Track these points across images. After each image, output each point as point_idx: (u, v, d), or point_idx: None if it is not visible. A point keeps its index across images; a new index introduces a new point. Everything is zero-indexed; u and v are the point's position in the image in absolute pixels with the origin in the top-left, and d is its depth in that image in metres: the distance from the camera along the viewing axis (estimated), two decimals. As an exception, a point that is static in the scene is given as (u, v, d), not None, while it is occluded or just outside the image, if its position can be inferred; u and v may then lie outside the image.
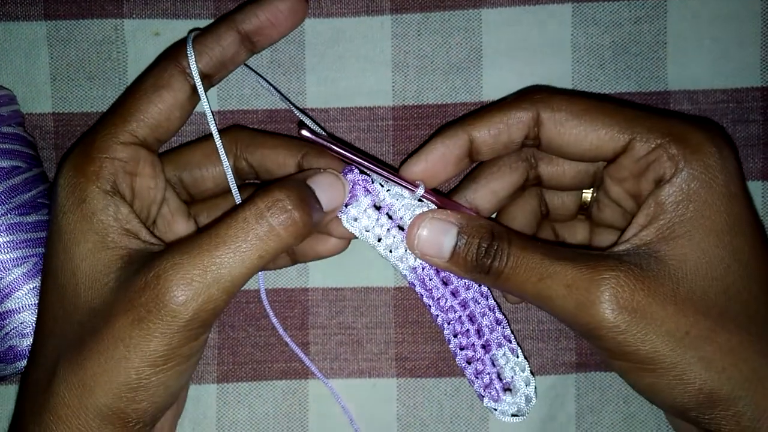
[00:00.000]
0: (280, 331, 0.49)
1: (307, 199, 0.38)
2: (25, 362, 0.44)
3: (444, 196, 0.42)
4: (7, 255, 0.44)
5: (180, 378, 0.38)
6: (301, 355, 0.49)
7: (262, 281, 0.48)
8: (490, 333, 0.42)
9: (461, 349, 0.42)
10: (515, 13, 0.49)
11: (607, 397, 0.50)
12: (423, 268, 0.42)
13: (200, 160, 0.44)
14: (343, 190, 0.40)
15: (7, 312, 0.44)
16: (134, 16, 0.49)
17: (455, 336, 0.42)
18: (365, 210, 0.41)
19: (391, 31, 0.49)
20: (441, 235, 0.39)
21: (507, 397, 0.41)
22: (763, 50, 0.48)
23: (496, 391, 0.41)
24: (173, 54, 0.41)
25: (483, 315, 0.42)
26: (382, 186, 0.41)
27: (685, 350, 0.35)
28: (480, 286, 0.42)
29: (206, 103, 0.41)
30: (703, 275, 0.36)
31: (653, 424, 0.50)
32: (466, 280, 0.42)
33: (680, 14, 0.48)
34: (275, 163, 0.44)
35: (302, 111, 0.47)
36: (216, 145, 0.42)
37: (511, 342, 0.42)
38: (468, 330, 0.42)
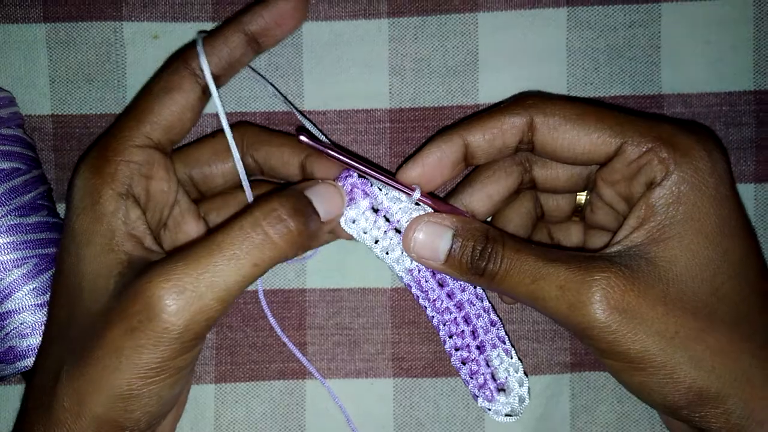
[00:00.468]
0: (278, 331, 0.49)
1: (304, 209, 0.38)
2: (25, 362, 0.45)
3: (440, 200, 0.42)
4: (7, 256, 0.44)
5: (173, 388, 0.38)
6: (299, 354, 0.49)
7: (260, 282, 0.48)
8: (485, 334, 0.42)
9: (456, 350, 0.43)
10: (511, 16, 0.49)
11: (601, 396, 0.50)
12: (419, 270, 0.42)
13: (210, 158, 0.45)
14: (341, 200, 0.41)
15: (6, 313, 0.44)
16: (133, 18, 0.49)
17: (450, 337, 0.43)
18: (363, 212, 0.42)
19: (389, 34, 0.49)
20: (437, 238, 0.39)
21: (501, 398, 0.42)
22: (756, 54, 0.49)
23: (491, 391, 0.42)
24: (182, 57, 0.42)
25: (478, 316, 0.42)
26: (380, 190, 0.42)
27: (674, 350, 0.36)
28: (475, 288, 0.43)
29: (219, 104, 0.41)
30: (693, 276, 0.37)
31: (647, 424, 0.50)
32: (461, 282, 0.42)
33: (674, 19, 0.49)
34: (279, 161, 0.44)
35: (302, 114, 0.47)
36: (229, 142, 0.42)
37: (505, 343, 0.43)
38: (463, 331, 0.42)
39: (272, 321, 0.49)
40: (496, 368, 0.42)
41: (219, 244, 0.36)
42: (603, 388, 0.50)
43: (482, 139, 0.41)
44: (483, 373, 0.42)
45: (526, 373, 0.43)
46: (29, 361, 0.44)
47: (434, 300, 0.42)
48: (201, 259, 0.36)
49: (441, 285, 0.42)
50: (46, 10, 0.49)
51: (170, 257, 0.36)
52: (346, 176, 0.42)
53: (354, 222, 0.42)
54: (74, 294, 0.39)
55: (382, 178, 0.40)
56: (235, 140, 0.43)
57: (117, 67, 0.49)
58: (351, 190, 0.42)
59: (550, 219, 0.47)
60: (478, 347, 0.42)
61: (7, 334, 0.44)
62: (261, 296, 0.48)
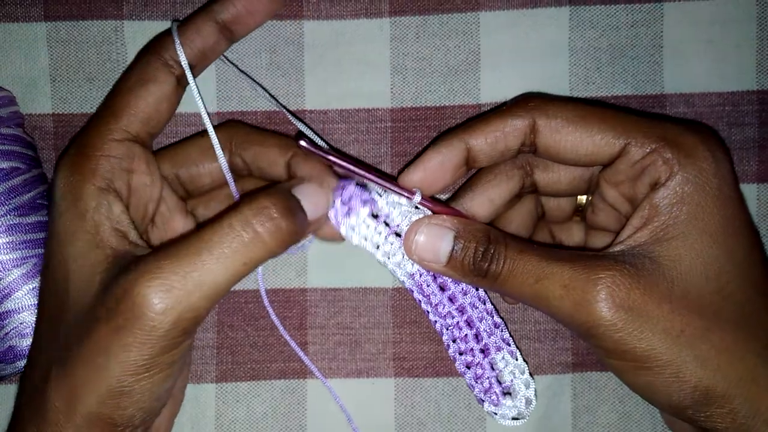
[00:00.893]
0: (281, 329, 0.49)
1: (293, 208, 0.38)
2: (24, 362, 0.45)
3: (441, 204, 0.42)
4: (7, 256, 0.44)
5: (165, 383, 0.38)
6: (300, 353, 0.49)
7: (262, 280, 0.48)
8: (489, 337, 0.42)
9: (460, 354, 0.42)
10: (513, 16, 0.49)
11: (603, 396, 0.50)
12: (420, 275, 0.42)
13: (197, 157, 0.44)
14: (326, 199, 0.40)
15: (6, 312, 0.44)
16: (134, 17, 0.49)
17: (454, 341, 0.42)
18: (363, 220, 0.41)
19: (390, 33, 0.49)
20: (438, 240, 0.39)
21: (507, 401, 0.42)
22: (759, 54, 0.49)
23: (496, 395, 0.42)
24: (154, 48, 0.42)
25: (481, 319, 0.42)
26: (380, 195, 0.42)
27: (680, 348, 0.36)
28: (477, 290, 0.43)
29: (197, 93, 0.42)
30: (698, 275, 0.37)
31: (648, 424, 0.50)
32: (463, 286, 0.42)
33: (677, 18, 0.49)
34: (266, 160, 0.44)
35: (296, 116, 0.47)
36: (211, 138, 0.42)
37: (509, 345, 0.43)
38: (466, 335, 0.42)
39: (275, 320, 0.49)
40: (500, 371, 0.42)
41: (207, 242, 0.35)
42: (605, 388, 0.50)
43: (484, 142, 0.40)
44: (488, 377, 0.42)
45: (531, 375, 0.43)
46: (29, 361, 0.44)
47: (436, 304, 0.42)
48: (189, 256, 0.35)
49: (442, 289, 0.42)
50: (47, 8, 0.49)
51: (157, 253, 0.36)
52: (346, 185, 0.42)
53: (354, 230, 0.41)
54: (60, 293, 0.38)
55: (383, 182, 0.40)
56: (223, 140, 0.43)
57: (118, 66, 0.49)
58: (349, 199, 0.41)
59: (551, 219, 0.47)
60: (481, 351, 0.42)
61: (7, 333, 0.44)
62: (263, 295, 0.48)
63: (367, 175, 0.40)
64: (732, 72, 0.49)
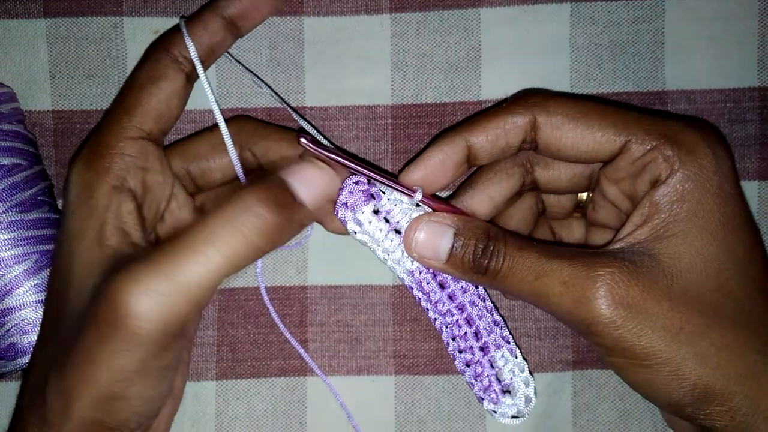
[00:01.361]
0: (281, 326, 0.49)
1: (282, 199, 0.36)
2: (26, 359, 0.44)
3: (442, 201, 0.42)
4: (8, 252, 0.44)
5: (159, 387, 0.37)
6: (301, 350, 0.49)
7: (261, 278, 0.48)
8: (488, 335, 0.42)
9: (460, 352, 0.42)
10: (514, 12, 0.49)
11: (603, 394, 0.50)
12: (420, 272, 0.42)
13: (207, 152, 0.44)
14: (322, 178, 0.38)
15: (7, 309, 0.44)
16: (134, 14, 0.49)
17: (453, 339, 0.42)
18: (366, 215, 0.41)
19: (391, 29, 0.49)
20: (438, 237, 0.39)
21: (506, 399, 0.42)
22: (761, 50, 0.49)
23: (495, 393, 0.42)
24: (162, 45, 0.42)
25: (480, 317, 0.42)
26: (383, 192, 0.42)
27: (680, 346, 0.36)
28: (477, 288, 0.43)
29: (208, 88, 0.42)
30: (697, 273, 0.37)
31: (649, 422, 0.50)
32: (463, 284, 0.42)
33: (678, 14, 0.48)
34: (278, 155, 0.44)
35: (298, 112, 0.47)
36: (224, 136, 0.42)
37: (509, 343, 0.42)
38: (466, 333, 0.42)
39: (276, 317, 0.49)
40: (500, 369, 0.42)
41: (185, 243, 0.34)
42: (605, 386, 0.50)
43: (485, 140, 0.40)
44: (487, 375, 0.42)
45: (531, 373, 0.42)
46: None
47: (436, 302, 0.42)
48: (168, 259, 0.34)
49: (442, 287, 0.42)
50: (47, 5, 0.49)
51: (139, 258, 0.35)
52: (348, 180, 0.42)
53: (357, 225, 0.41)
54: (63, 292, 0.38)
55: (384, 180, 0.40)
56: (233, 134, 0.43)
57: (118, 63, 0.49)
58: (354, 192, 0.41)
59: (551, 215, 0.47)
60: (481, 348, 0.42)
61: (8, 330, 0.44)
62: (263, 293, 0.48)
63: (368, 172, 0.40)
64: (733, 69, 0.49)
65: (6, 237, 0.44)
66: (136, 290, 0.33)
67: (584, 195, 0.45)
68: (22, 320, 0.44)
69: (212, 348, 0.50)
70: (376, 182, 0.41)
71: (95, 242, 0.38)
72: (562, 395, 0.50)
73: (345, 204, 0.41)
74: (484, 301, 0.43)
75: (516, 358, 0.42)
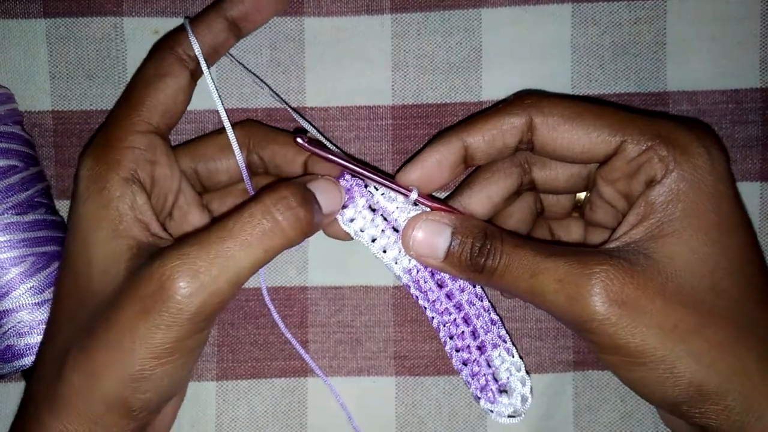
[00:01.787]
0: (282, 327, 0.49)
1: (311, 200, 0.39)
2: (23, 361, 0.44)
3: (438, 201, 0.42)
4: (4, 254, 0.44)
5: (183, 369, 0.39)
6: (301, 350, 0.49)
7: (263, 278, 0.48)
8: (485, 334, 0.42)
9: (457, 351, 0.42)
10: (515, 13, 0.49)
11: (604, 395, 0.50)
12: (417, 270, 0.42)
13: (215, 153, 0.45)
14: (340, 195, 0.42)
15: (4, 311, 0.44)
16: (133, 14, 0.49)
17: (451, 338, 0.43)
18: (360, 210, 0.42)
19: (391, 30, 0.49)
20: (435, 236, 0.40)
21: (503, 399, 0.42)
22: (762, 51, 0.49)
23: (492, 393, 0.42)
24: (168, 44, 0.43)
25: (478, 316, 0.42)
26: (377, 189, 0.42)
27: (674, 344, 0.36)
28: (475, 287, 0.43)
29: (212, 85, 0.43)
30: (692, 272, 0.37)
31: (650, 423, 0.50)
32: (460, 283, 0.42)
33: (680, 15, 0.48)
34: (284, 159, 0.45)
35: (297, 112, 0.47)
36: (229, 136, 0.43)
37: (506, 342, 0.43)
38: (463, 332, 0.42)
39: (276, 318, 0.49)
40: (497, 368, 0.42)
41: (230, 230, 0.37)
42: (606, 387, 0.50)
43: (482, 140, 0.41)
44: (484, 374, 0.42)
45: (528, 372, 0.42)
46: (27, 360, 0.44)
47: (433, 301, 0.42)
48: (214, 243, 0.36)
49: (440, 286, 0.42)
50: (46, 5, 0.49)
51: (183, 242, 0.37)
52: (342, 177, 0.42)
53: (352, 220, 0.42)
54: (81, 280, 0.39)
55: (380, 179, 0.41)
56: (241, 137, 0.45)
57: (117, 63, 0.49)
58: (348, 189, 0.42)
59: (550, 215, 0.47)
60: (478, 348, 0.42)
61: (5, 332, 0.44)
62: (264, 293, 0.48)
63: (364, 172, 0.40)
64: (735, 70, 0.49)
65: (2, 239, 0.43)
66: (183, 269, 0.36)
67: (582, 195, 0.45)
68: (19, 322, 0.44)
69: (213, 348, 0.50)
70: (371, 182, 0.41)
71: (114, 233, 0.39)
72: (563, 396, 0.50)
73: None
74: (482, 300, 0.43)
75: (513, 357, 0.42)
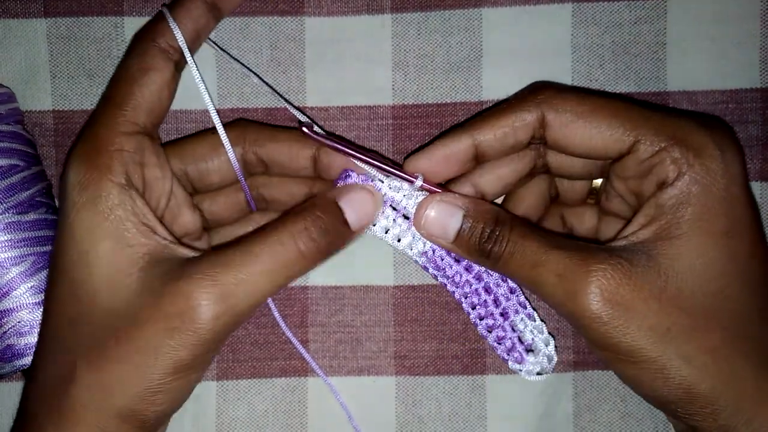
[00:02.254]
0: (282, 326, 0.49)
1: (336, 226, 0.39)
2: (24, 360, 0.44)
3: (443, 188, 0.42)
4: (6, 254, 0.44)
5: (197, 381, 0.40)
6: (302, 350, 0.49)
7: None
8: (506, 301, 0.43)
9: (481, 319, 0.44)
10: (515, 12, 0.49)
11: (604, 395, 0.50)
12: (434, 251, 0.43)
13: (206, 153, 0.44)
14: (373, 207, 0.41)
15: (5, 311, 0.44)
16: (134, 14, 0.49)
17: (474, 308, 0.44)
18: None
19: (392, 29, 0.49)
20: (448, 216, 0.40)
21: (530, 357, 0.43)
22: (763, 51, 0.49)
23: (519, 353, 0.43)
24: (149, 35, 0.42)
25: (497, 285, 0.43)
26: (382, 182, 0.42)
27: (666, 346, 0.36)
28: None
29: (198, 76, 0.42)
30: (695, 276, 0.37)
31: (650, 423, 0.50)
32: None
33: (680, 15, 0.48)
34: (287, 156, 0.44)
35: (297, 108, 0.47)
36: (221, 136, 0.42)
37: (526, 308, 0.44)
38: (485, 301, 0.43)
39: (277, 317, 0.49)
40: (521, 332, 0.44)
41: (257, 256, 0.37)
42: (606, 387, 0.50)
43: (493, 138, 0.41)
44: (510, 338, 0.43)
45: (551, 334, 0.44)
46: (28, 360, 0.44)
47: (452, 276, 0.43)
48: (241, 267, 0.37)
49: (457, 260, 0.43)
50: (47, 5, 0.49)
51: (209, 260, 0.37)
52: (347, 176, 0.42)
53: None
54: (83, 293, 0.38)
55: (386, 167, 0.41)
56: (236, 136, 0.43)
57: (118, 62, 0.49)
58: (353, 179, 0.42)
59: (564, 201, 0.46)
60: (501, 314, 0.43)
61: (5, 332, 0.44)
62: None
63: (369, 159, 0.41)
64: (735, 69, 0.49)
65: (3, 238, 0.43)
66: (213, 293, 0.36)
67: (598, 183, 0.45)
68: (19, 322, 0.44)
69: (212, 348, 0.50)
70: (376, 171, 0.42)
71: (120, 243, 0.38)
72: (562, 396, 0.50)
73: None
74: None
75: (534, 321, 0.44)
